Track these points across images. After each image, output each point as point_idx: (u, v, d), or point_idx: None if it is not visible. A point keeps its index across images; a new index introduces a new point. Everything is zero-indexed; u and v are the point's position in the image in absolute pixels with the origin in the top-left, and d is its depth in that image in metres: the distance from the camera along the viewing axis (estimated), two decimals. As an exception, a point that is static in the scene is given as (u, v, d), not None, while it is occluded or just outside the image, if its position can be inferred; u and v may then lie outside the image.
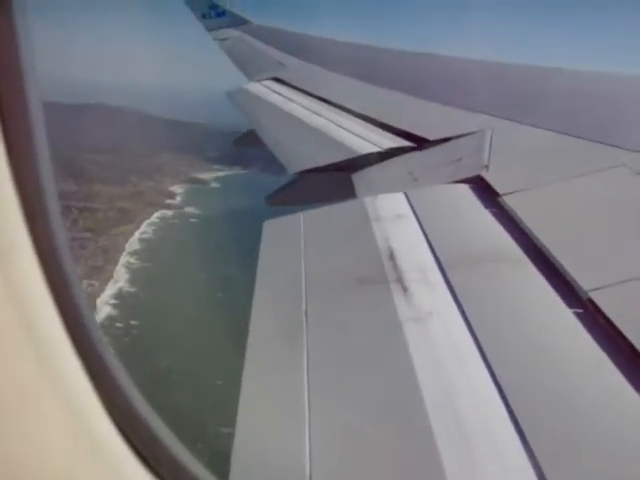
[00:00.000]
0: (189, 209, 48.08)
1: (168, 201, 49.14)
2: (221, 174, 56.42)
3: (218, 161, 57.45)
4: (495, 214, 3.89)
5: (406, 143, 5.94)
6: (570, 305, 2.82)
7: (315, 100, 8.28)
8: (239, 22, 14.51)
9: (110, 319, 29.38)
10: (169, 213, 46.89)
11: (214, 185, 55.04)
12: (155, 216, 45.88)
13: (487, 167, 4.57)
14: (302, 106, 8.09)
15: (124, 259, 39.29)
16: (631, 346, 2.44)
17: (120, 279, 35.96)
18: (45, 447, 1.01)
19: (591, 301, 2.75)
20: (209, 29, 14.67)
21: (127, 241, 41.15)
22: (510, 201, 3.92)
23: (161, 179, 53.13)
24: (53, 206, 1.08)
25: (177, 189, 52.53)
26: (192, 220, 45.56)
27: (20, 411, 0.99)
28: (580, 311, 2.75)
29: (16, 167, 0.99)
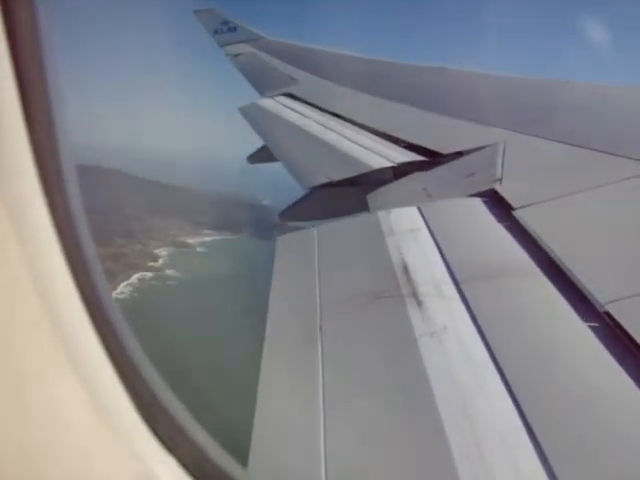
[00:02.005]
0: (169, 272, 48.64)
1: (150, 263, 49.65)
2: (208, 239, 57.29)
3: (208, 226, 58.36)
4: (509, 227, 3.89)
5: (419, 157, 5.96)
6: (585, 319, 2.81)
7: (328, 115, 8.33)
8: (251, 37, 14.57)
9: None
10: (149, 275, 47.25)
11: (199, 249, 55.86)
12: (134, 277, 46.29)
13: (500, 180, 4.57)
14: (315, 121, 8.14)
15: (93, 319, 40.03)
16: None
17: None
18: (64, 425, 1.02)
19: (608, 314, 2.74)
20: (221, 45, 14.74)
21: (101, 301, 41.67)
22: (524, 214, 3.92)
23: (147, 242, 53.91)
24: (75, 195, 1.10)
25: (161, 252, 53.32)
26: (170, 282, 46.09)
27: (41, 390, 1.01)
28: (596, 325, 2.74)
29: (39, 158, 1.01)
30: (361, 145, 6.76)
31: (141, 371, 1.15)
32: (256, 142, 9.04)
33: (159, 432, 1.10)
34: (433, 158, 5.87)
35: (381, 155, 6.23)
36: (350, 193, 6.00)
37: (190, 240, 57.41)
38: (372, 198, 5.44)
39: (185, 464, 1.11)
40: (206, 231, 58.34)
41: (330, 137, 7.34)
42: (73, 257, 1.06)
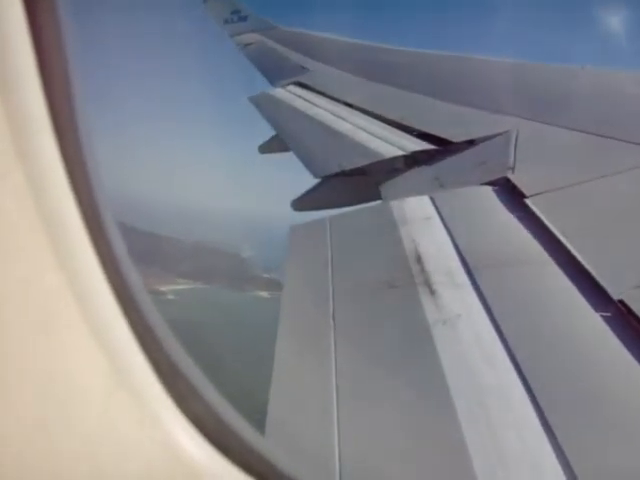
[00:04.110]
0: (133, 318, 48.82)
1: (116, 310, 49.81)
2: (181, 287, 57.06)
3: (185, 275, 58.22)
4: (522, 216, 3.88)
5: (431, 146, 5.94)
6: (599, 307, 2.81)
7: (340, 104, 8.30)
8: (262, 27, 14.43)
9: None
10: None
11: (170, 297, 55.51)
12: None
13: (513, 169, 4.55)
14: (326, 110, 8.11)
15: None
16: None
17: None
18: (83, 393, 1.04)
19: (622, 302, 2.74)
20: (231, 35, 14.64)
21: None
22: (536, 202, 3.91)
23: (118, 289, 53.88)
24: (104, 200, 1.12)
25: (128, 299, 53.12)
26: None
27: (61, 359, 1.03)
28: (610, 313, 2.74)
29: (66, 160, 1.03)
30: (373, 134, 6.73)
31: (162, 339, 1.16)
32: (267, 132, 9.03)
33: (179, 400, 1.12)
34: (445, 147, 5.85)
35: (393, 144, 6.21)
36: (362, 182, 6.00)
37: (163, 288, 57.47)
38: (385, 187, 5.43)
39: (205, 432, 1.13)
40: (181, 280, 58.53)
41: (342, 126, 7.31)
42: (95, 231, 1.08)
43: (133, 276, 1.17)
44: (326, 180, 6.30)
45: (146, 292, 1.20)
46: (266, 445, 1.28)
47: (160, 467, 1.08)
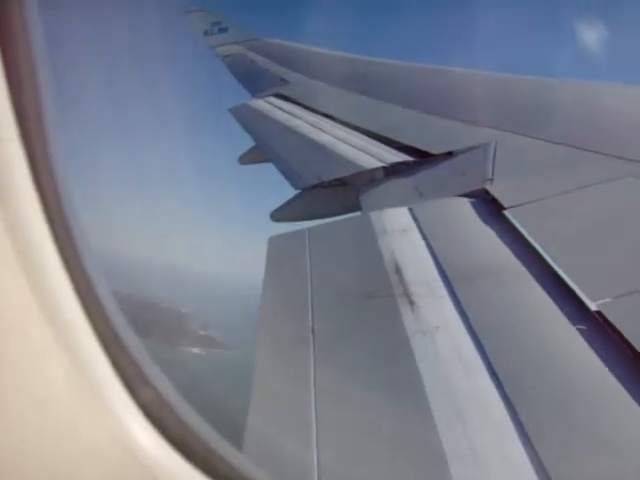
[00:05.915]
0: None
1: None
2: None
3: None
4: (500, 227, 3.89)
5: (410, 158, 5.95)
6: (576, 318, 2.81)
7: (319, 116, 8.31)
8: (242, 38, 14.49)
9: None
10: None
11: None
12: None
13: (491, 180, 4.57)
14: (306, 122, 8.12)
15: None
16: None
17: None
18: (49, 399, 1.02)
19: (599, 313, 2.74)
20: (212, 46, 14.66)
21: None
22: (515, 214, 3.92)
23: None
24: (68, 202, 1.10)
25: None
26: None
27: (27, 366, 1.01)
28: (587, 324, 2.74)
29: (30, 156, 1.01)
30: (353, 145, 6.74)
31: (128, 345, 1.15)
32: (246, 143, 9.01)
33: (146, 406, 1.10)
34: (425, 159, 5.86)
35: (373, 155, 6.22)
36: (342, 193, 6.00)
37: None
38: (364, 198, 5.43)
39: (171, 438, 1.11)
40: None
41: (321, 138, 7.31)
42: (61, 238, 1.06)
43: (102, 286, 1.15)
44: (305, 191, 6.29)
45: (112, 297, 1.18)
46: (229, 448, 1.26)
47: (121, 469, 1.06)
